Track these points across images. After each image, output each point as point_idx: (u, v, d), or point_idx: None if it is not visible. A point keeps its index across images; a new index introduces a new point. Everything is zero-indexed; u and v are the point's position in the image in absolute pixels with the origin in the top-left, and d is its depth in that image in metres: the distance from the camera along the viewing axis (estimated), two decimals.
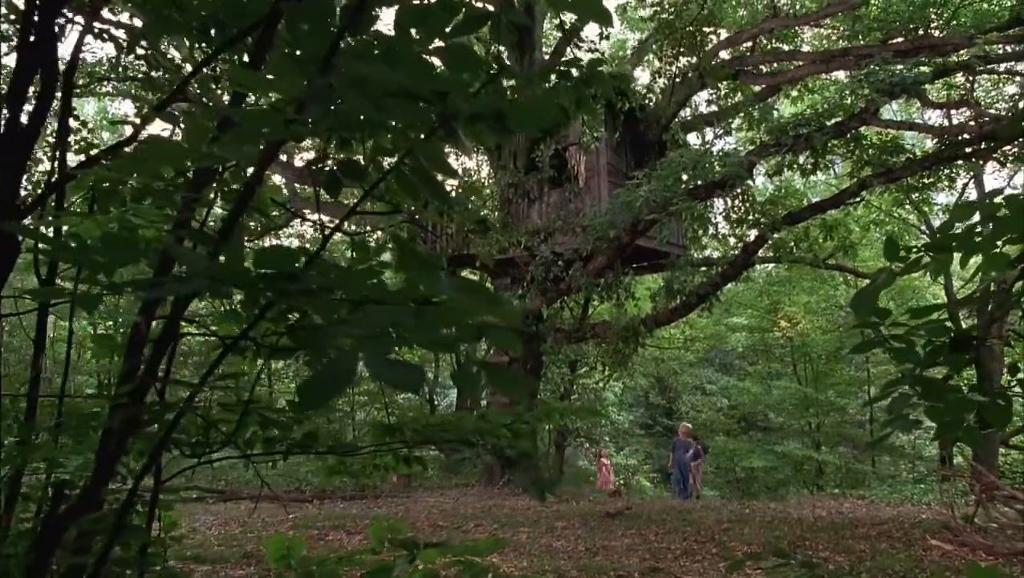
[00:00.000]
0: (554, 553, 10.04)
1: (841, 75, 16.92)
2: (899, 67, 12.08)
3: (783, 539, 10.82)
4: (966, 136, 13.29)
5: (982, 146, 13.45)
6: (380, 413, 25.01)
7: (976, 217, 3.18)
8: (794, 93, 16.28)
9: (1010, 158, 13.53)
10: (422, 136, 2.53)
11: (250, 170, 2.86)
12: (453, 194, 18.22)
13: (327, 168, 3.53)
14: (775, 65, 16.36)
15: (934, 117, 17.91)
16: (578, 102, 5.21)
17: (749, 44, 16.17)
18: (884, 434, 2.90)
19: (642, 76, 20.44)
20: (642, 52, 19.78)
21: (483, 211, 18.24)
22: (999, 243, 3.16)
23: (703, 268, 17.58)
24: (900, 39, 14.10)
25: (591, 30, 18.16)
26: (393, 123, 2.87)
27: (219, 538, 11.11)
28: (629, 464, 27.67)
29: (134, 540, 3.19)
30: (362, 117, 2.62)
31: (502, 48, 17.24)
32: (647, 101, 17.34)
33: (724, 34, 16.05)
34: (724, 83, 17.29)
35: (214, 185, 3.25)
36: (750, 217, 15.28)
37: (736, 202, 15.14)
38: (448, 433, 4.08)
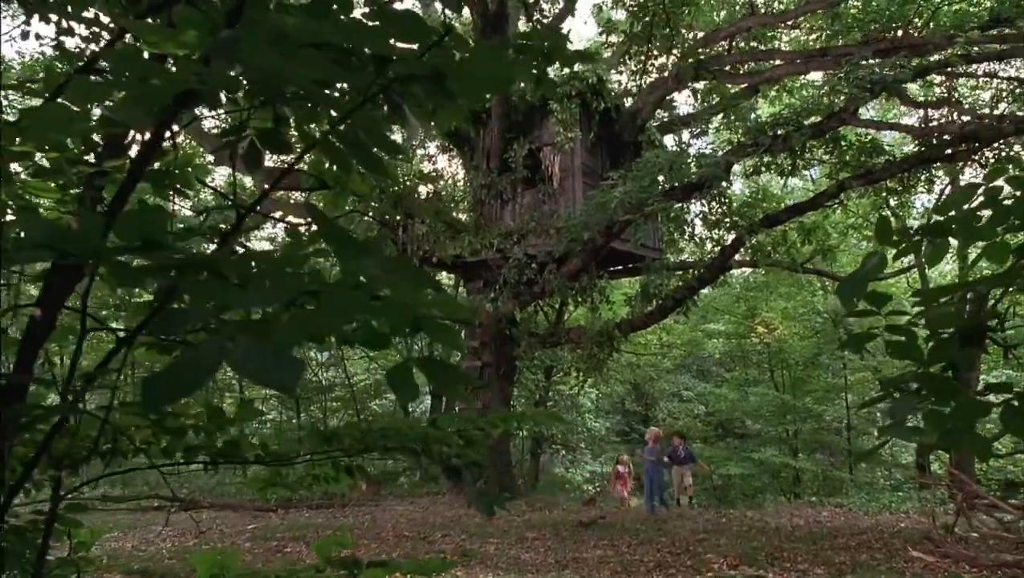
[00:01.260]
0: (522, 566, 9.62)
1: (819, 76, 16.70)
2: (879, 65, 11.78)
3: (760, 550, 10.45)
4: (946, 137, 13.01)
5: (962, 147, 13.18)
6: (352, 419, 24.49)
7: (979, 200, 2.82)
8: (772, 93, 15.96)
9: (991, 160, 13.27)
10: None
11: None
12: (424, 194, 17.81)
13: (246, 138, 3.07)
14: (753, 65, 16.05)
15: (914, 119, 17.64)
16: (538, 80, 4.78)
17: (726, 44, 15.84)
18: (880, 444, 2.51)
19: (620, 78, 20.14)
20: (618, 53, 19.46)
21: (455, 212, 17.85)
22: (999, 230, 2.80)
23: (679, 272, 17.24)
24: (880, 38, 13.81)
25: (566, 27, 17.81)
26: (328, 92, 2.54)
27: (171, 551, 10.60)
28: (605, 472, 27.25)
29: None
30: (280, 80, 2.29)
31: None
32: (623, 101, 16.99)
33: (700, 34, 15.69)
34: (701, 84, 16.98)
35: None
36: (727, 220, 14.93)
37: (713, 204, 14.79)
38: (390, 440, 3.73)
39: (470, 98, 3.16)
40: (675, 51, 16.03)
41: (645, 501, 16.19)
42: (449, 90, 2.62)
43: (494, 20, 15.31)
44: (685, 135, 16.16)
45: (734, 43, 15.64)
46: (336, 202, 4.78)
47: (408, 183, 17.65)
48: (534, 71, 4.66)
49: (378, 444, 3.67)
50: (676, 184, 13.95)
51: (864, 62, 11.91)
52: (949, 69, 12.74)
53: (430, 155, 19.75)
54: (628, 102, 17.29)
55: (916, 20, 14.13)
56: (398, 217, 17.45)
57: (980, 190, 2.81)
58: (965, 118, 13.45)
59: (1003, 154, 13.14)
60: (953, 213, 2.82)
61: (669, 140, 17.83)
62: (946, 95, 13.88)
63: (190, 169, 3.80)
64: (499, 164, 16.86)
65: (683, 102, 18.41)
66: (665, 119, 18.37)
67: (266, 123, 2.98)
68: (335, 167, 2.83)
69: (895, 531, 12.46)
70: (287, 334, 1.89)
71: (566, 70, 18.50)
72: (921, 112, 15.97)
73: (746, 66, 16.09)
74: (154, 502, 16.29)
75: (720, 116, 16.54)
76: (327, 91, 2.91)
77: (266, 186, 3.35)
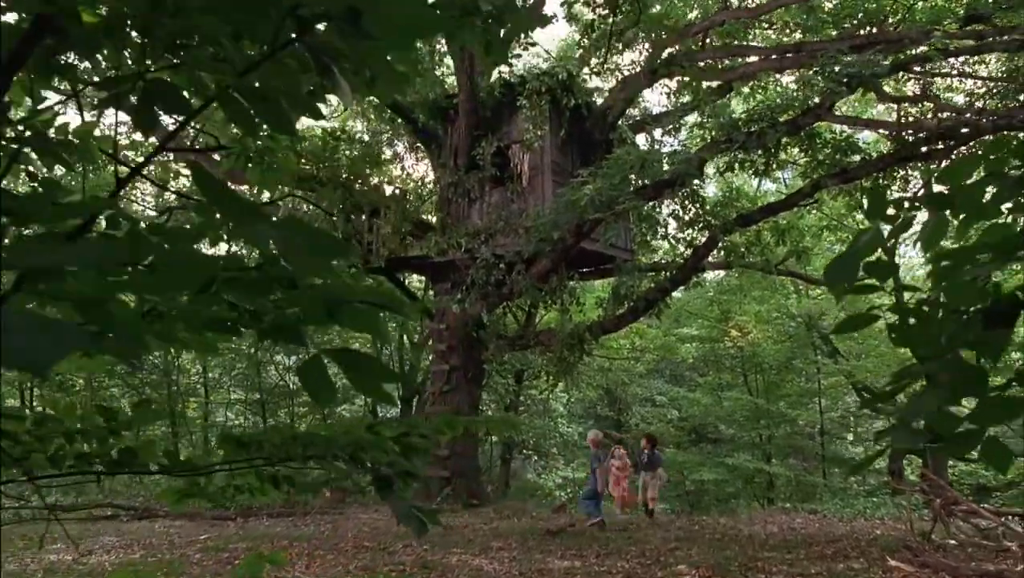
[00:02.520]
0: None
1: (793, 77, 16.38)
2: (855, 60, 11.44)
3: (733, 561, 10.04)
4: (922, 135, 12.72)
5: (939, 145, 12.89)
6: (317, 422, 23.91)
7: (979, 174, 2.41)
8: (746, 90, 15.63)
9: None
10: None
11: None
12: (390, 192, 17.34)
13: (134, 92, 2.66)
14: (727, 61, 15.71)
15: (891, 117, 17.34)
16: (487, 45, 4.29)
17: (699, 39, 15.48)
18: (878, 452, 2.08)
19: (593, 80, 19.79)
20: (589, 51, 19.10)
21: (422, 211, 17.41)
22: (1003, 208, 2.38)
23: (651, 273, 16.86)
24: (855, 34, 13.51)
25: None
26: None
27: (115, 564, 10.02)
28: (577, 478, 26.83)
29: None
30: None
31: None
32: (593, 98, 16.61)
33: (672, 28, 15.30)
34: (674, 80, 16.64)
35: None
36: (700, 219, 14.57)
37: (686, 203, 14.42)
38: (316, 447, 3.28)
39: (392, 43, 2.72)
40: (646, 46, 15.66)
41: (593, 509, 14.37)
42: (367, 32, 2.19)
43: None
44: (657, 133, 15.75)
45: (707, 39, 15.29)
46: (265, 180, 4.33)
47: (374, 181, 17.20)
48: (480, 30, 4.16)
49: (298, 452, 3.24)
50: (647, 182, 13.58)
51: (840, 56, 11.58)
52: (927, 65, 12.44)
53: (397, 153, 19.27)
54: (599, 100, 16.91)
55: (891, 17, 13.84)
56: (363, 217, 16.97)
57: (982, 163, 2.40)
58: (943, 115, 13.16)
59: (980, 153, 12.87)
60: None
61: (641, 139, 17.46)
62: (922, 92, 13.57)
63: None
64: (467, 162, 16.43)
65: (656, 102, 18.04)
66: (637, 117, 18.01)
67: (160, 74, 2.56)
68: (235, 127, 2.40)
69: (871, 538, 12.11)
70: (93, 290, 1.56)
71: (535, 64, 18.15)
72: (897, 109, 15.68)
73: (720, 63, 15.77)
74: (107, 511, 15.68)
75: (693, 115, 16.16)
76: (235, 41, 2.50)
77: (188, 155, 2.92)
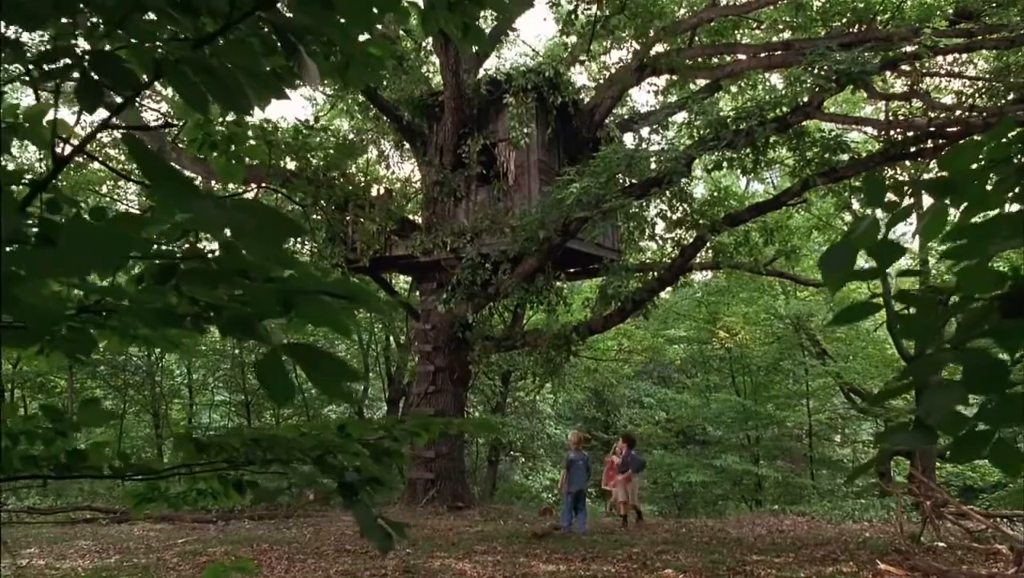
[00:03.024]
0: None
1: (781, 79, 16.24)
2: (845, 56, 11.29)
3: (721, 564, 9.88)
4: (912, 133, 12.58)
5: (928, 144, 12.77)
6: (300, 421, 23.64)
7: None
8: (734, 89, 15.48)
9: None
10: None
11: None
12: (376, 191, 17.12)
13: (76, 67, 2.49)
14: (715, 60, 15.56)
15: (881, 116, 17.18)
16: (464, 29, 4.09)
17: (687, 37, 15.32)
18: (878, 455, 1.89)
19: (580, 76, 19.62)
20: (577, 50, 18.93)
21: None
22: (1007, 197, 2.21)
23: (639, 273, 16.69)
24: (844, 32, 13.38)
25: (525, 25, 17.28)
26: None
27: (89, 570, 9.77)
28: None
29: None
30: None
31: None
32: (580, 96, 16.43)
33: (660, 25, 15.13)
34: (662, 78, 16.48)
35: None
36: (688, 218, 14.41)
37: (674, 202, 14.26)
38: (277, 450, 3.08)
39: (354, 18, 2.60)
40: (633, 43, 15.50)
41: (563, 515, 13.58)
42: (331, 3, 2.14)
43: None
44: (645, 131, 15.57)
45: (696, 36, 15.13)
46: (230, 170, 4.12)
47: (359, 179, 16.97)
48: (458, 13, 3.96)
49: (259, 456, 3.07)
50: (635, 180, 13.42)
51: (829, 52, 11.43)
52: (917, 63, 12.31)
53: (383, 151, 19.04)
54: (586, 98, 16.74)
55: (880, 16, 13.71)
56: (347, 215, 16.75)
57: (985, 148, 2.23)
58: (933, 113, 13.03)
59: None
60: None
61: (628, 139, 17.31)
62: (911, 89, 13.42)
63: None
64: (453, 160, 16.23)
65: (644, 102, 17.90)
66: (625, 117, 17.84)
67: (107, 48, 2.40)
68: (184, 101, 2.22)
69: (860, 541, 11.97)
70: None
71: (522, 62, 17.98)
72: (886, 108, 15.55)
73: (708, 60, 15.62)
74: (85, 514, 15.41)
75: (681, 114, 15.99)
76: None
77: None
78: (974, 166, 2.29)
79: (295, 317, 2.17)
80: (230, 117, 3.99)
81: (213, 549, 11.06)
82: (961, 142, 12.87)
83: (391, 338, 26.72)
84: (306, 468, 3.13)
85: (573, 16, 15.18)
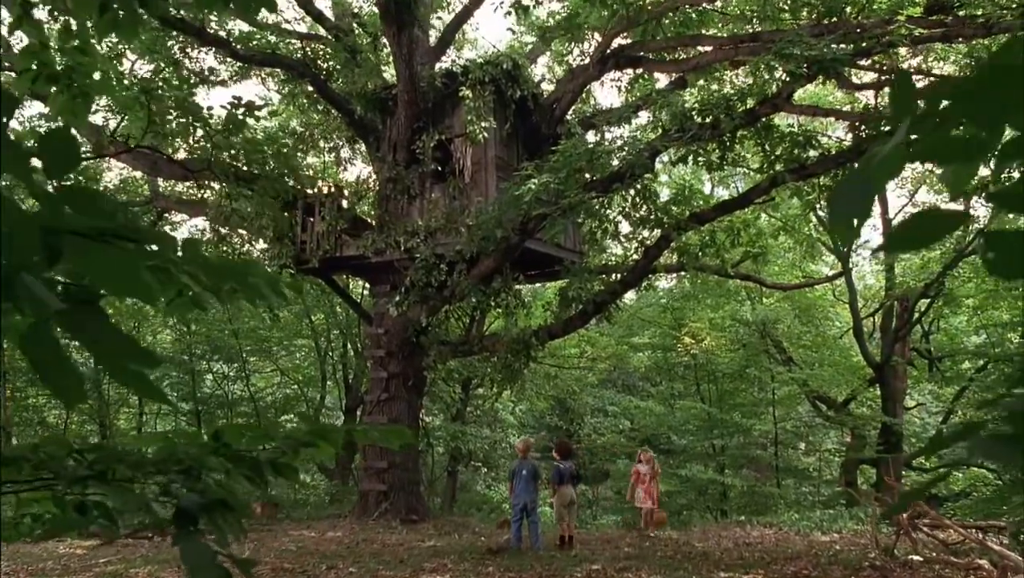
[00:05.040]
0: None
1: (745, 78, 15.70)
2: (815, 44, 10.72)
3: None
4: (885, 127, 12.06)
5: None
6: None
7: None
8: (701, 83, 14.90)
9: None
10: None
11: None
12: (325, 189, 16.34)
13: None
14: (680, 53, 14.98)
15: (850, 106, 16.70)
16: None
17: (652, 27, 14.72)
18: (944, 472, 1.20)
19: (540, 70, 18.99)
20: (539, 48, 18.32)
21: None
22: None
23: (602, 276, 16.04)
24: (814, 24, 12.84)
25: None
26: None
27: None
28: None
29: None
30: None
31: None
32: (540, 90, 15.78)
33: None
34: (624, 72, 15.88)
35: None
36: (652, 217, 13.77)
37: (637, 199, 13.61)
38: (107, 464, 2.39)
39: None
40: (595, 35, 14.87)
41: (512, 532, 12.34)
42: None
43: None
44: (609, 135, 14.95)
45: (659, 26, 14.53)
46: (73, 109, 3.37)
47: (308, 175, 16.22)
48: None
49: (81, 473, 2.44)
50: (597, 176, 12.77)
51: (800, 37, 10.86)
52: (891, 52, 11.79)
53: (335, 146, 18.27)
54: (544, 93, 16.10)
55: (850, 7, 13.18)
56: (297, 215, 15.98)
57: None
58: None
59: None
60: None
61: (591, 137, 16.69)
62: (888, 75, 12.90)
63: None
64: (406, 156, 15.50)
65: (607, 101, 17.31)
66: (587, 113, 17.21)
67: None
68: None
69: (831, 554, 11.38)
70: None
71: (478, 52, 17.31)
72: (864, 96, 15.03)
73: (674, 53, 15.04)
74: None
75: (645, 115, 15.39)
76: None
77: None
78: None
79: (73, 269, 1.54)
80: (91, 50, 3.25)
81: (136, 569, 10.19)
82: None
83: (348, 345, 25.87)
84: (139, 490, 2.52)
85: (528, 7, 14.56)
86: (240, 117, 10.63)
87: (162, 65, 15.49)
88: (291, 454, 2.70)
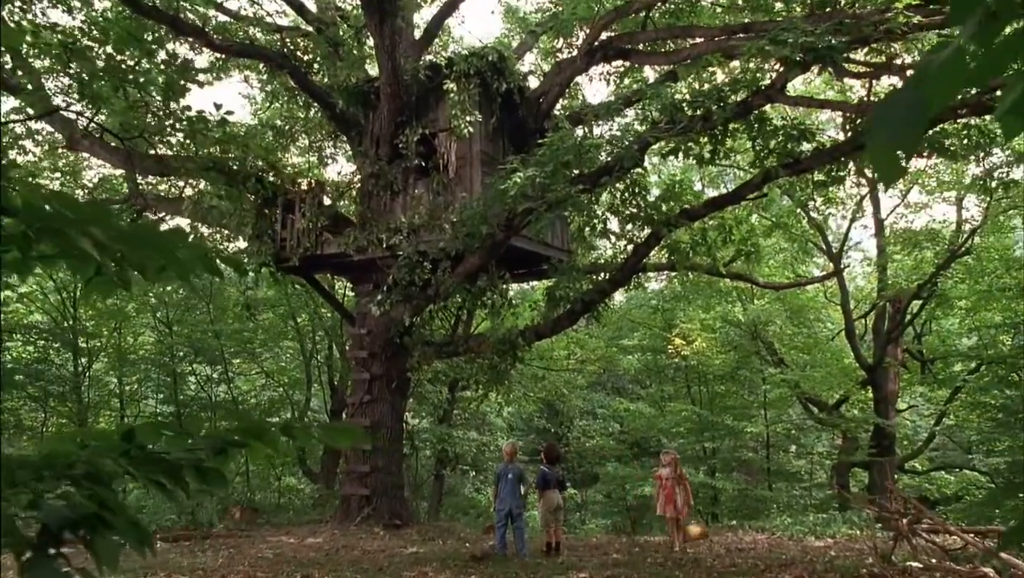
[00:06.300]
0: None
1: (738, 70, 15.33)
2: (811, 31, 10.35)
3: None
4: None
5: None
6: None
7: None
8: (691, 77, 14.52)
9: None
10: None
11: None
12: (306, 185, 15.90)
13: None
14: (670, 44, 14.61)
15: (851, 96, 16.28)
16: None
17: (641, 18, 14.36)
18: None
19: (528, 68, 18.59)
20: (527, 43, 17.95)
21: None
22: None
23: (590, 274, 15.63)
24: (808, 15, 12.48)
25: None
26: None
27: None
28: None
29: None
30: None
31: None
32: (526, 83, 15.38)
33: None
34: (613, 65, 15.49)
35: None
36: (642, 213, 13.38)
37: (626, 195, 13.21)
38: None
39: None
40: (583, 27, 14.48)
41: (496, 538, 11.98)
42: None
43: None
44: (596, 130, 14.56)
45: (649, 18, 14.16)
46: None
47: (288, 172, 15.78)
48: None
49: None
50: (584, 170, 12.36)
51: (796, 24, 10.49)
52: (889, 41, 11.44)
53: (315, 141, 17.83)
54: (531, 87, 15.70)
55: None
56: (277, 212, 15.54)
57: None
58: None
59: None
60: None
61: (579, 132, 16.30)
62: (887, 64, 12.53)
63: None
64: (389, 151, 15.07)
65: (594, 95, 16.92)
66: (576, 108, 16.82)
67: None
68: None
69: (827, 561, 10.99)
70: None
71: (466, 46, 16.90)
72: (857, 87, 14.64)
73: (664, 45, 14.66)
74: None
75: (635, 106, 14.97)
76: None
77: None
78: None
79: None
80: None
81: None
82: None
83: (334, 346, 25.40)
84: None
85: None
86: (212, 117, 10.22)
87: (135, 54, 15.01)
88: (217, 456, 2.30)
